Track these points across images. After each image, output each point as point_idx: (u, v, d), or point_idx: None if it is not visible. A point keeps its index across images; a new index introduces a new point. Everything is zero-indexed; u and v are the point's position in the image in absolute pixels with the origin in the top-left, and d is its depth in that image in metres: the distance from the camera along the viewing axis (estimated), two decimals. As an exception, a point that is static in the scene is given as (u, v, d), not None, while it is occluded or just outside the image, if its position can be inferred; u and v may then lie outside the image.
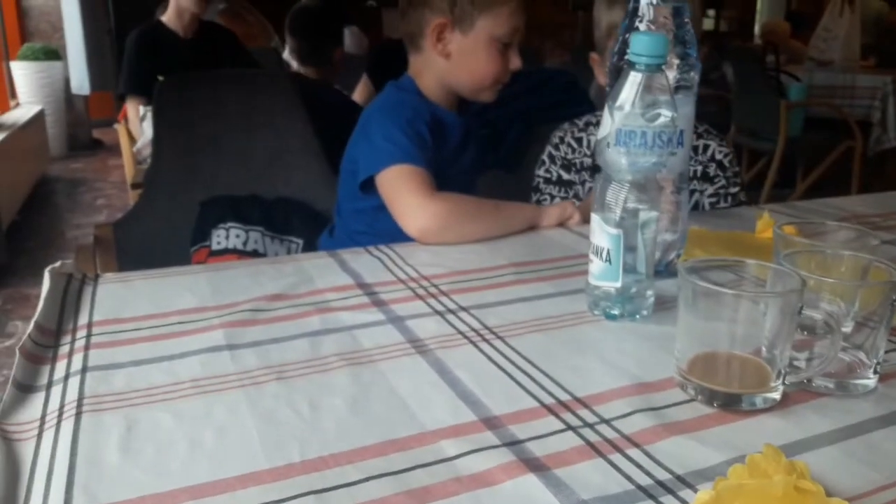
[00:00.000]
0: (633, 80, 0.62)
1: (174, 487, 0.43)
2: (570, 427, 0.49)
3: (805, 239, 0.68)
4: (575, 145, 1.19)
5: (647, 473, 0.44)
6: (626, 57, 0.63)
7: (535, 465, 0.44)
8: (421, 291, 0.74)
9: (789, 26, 4.94)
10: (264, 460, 0.45)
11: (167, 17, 2.42)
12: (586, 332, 0.65)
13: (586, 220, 0.72)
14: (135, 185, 2.01)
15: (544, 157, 1.21)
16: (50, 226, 3.56)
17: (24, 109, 4.53)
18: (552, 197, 1.19)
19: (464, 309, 0.70)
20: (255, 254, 1.21)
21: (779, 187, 3.43)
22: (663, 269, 0.76)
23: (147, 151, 2.10)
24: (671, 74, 0.72)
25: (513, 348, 0.61)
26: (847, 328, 0.57)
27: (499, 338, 0.63)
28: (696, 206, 1.11)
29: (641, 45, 0.61)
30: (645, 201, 0.65)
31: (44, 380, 0.56)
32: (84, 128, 5.42)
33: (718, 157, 1.12)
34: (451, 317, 0.68)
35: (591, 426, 0.49)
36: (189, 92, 1.28)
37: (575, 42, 5.22)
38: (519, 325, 0.66)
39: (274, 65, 3.85)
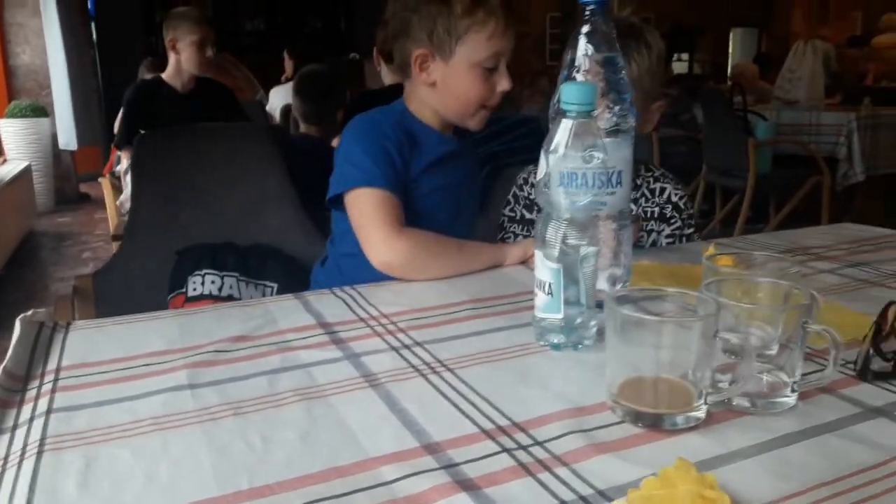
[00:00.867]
0: (565, 126, 0.67)
1: (126, 517, 0.45)
2: (504, 449, 0.52)
3: (740, 268, 0.73)
4: None
5: (572, 489, 0.47)
6: (558, 105, 0.68)
7: (467, 486, 0.47)
8: (379, 329, 0.77)
9: (757, 68, 5.13)
10: (215, 489, 0.48)
11: (168, 74, 2.51)
12: (531, 362, 0.68)
13: None
14: (117, 237, 2.05)
15: (510, 196, 1.27)
16: (35, 279, 3.57)
17: (12, 165, 4.59)
18: (515, 235, 1.23)
19: (419, 344, 0.73)
20: (230, 298, 1.24)
21: (752, 222, 3.52)
22: (610, 302, 0.80)
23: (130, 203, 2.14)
24: (608, 119, 0.77)
25: (461, 379, 0.64)
26: (773, 351, 0.61)
27: (448, 370, 0.66)
28: (653, 245, 1.16)
29: (571, 94, 0.66)
30: (583, 237, 0.69)
31: (10, 422, 0.59)
32: (71, 182, 5.48)
33: (674, 199, 1.17)
34: (405, 352, 0.71)
35: (524, 448, 0.52)
36: (167, 144, 1.34)
37: (550, 90, 5.36)
38: (469, 358, 0.69)
39: (259, 117, 3.95)
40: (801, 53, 3.89)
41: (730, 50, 9.56)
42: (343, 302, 0.87)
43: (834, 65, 4.08)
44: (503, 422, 0.56)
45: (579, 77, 0.78)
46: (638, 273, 0.86)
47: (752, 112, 3.74)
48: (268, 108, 4.03)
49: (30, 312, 0.77)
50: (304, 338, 0.75)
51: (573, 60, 0.79)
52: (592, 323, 0.71)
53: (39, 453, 0.53)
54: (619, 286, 0.82)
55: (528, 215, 1.24)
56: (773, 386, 0.59)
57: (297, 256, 1.31)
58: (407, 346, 0.72)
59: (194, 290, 1.24)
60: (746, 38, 9.57)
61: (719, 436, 0.53)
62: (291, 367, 0.68)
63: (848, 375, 0.63)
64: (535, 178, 1.25)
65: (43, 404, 0.61)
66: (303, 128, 2.27)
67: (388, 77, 2.22)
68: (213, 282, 1.24)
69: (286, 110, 3.38)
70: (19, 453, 0.53)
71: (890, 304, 0.69)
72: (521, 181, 1.27)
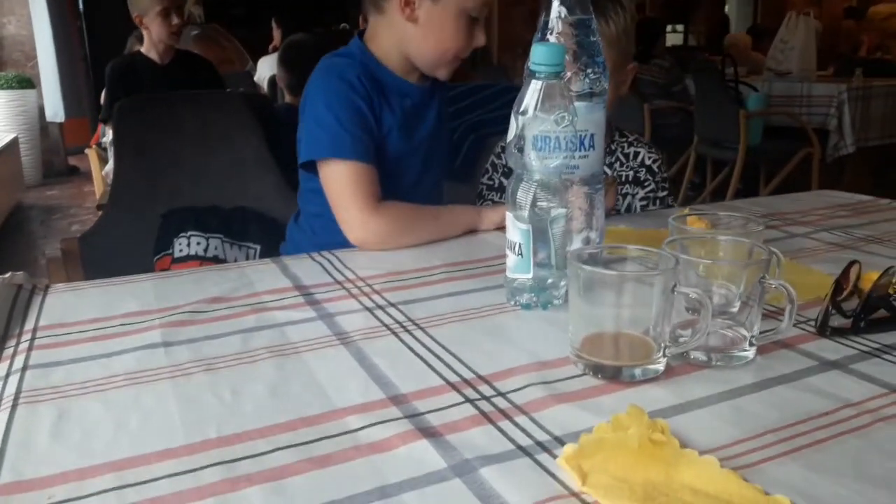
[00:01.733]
0: (534, 87, 0.67)
1: (96, 463, 0.46)
2: (468, 400, 0.53)
3: (709, 228, 0.74)
4: None
5: (529, 435, 0.48)
6: (528, 66, 0.68)
7: (429, 433, 0.49)
8: (355, 291, 0.79)
9: (750, 39, 5.09)
10: (183, 438, 0.49)
11: (144, 48, 2.50)
12: (501, 321, 0.69)
13: None
14: (102, 206, 2.05)
15: (488, 165, 1.27)
16: (24, 252, 3.57)
17: (-2, 138, 4.55)
18: (493, 203, 1.24)
19: (392, 305, 0.74)
20: (215, 259, 1.25)
21: (742, 194, 3.53)
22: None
23: (114, 173, 2.13)
24: (581, 82, 0.77)
25: (431, 337, 0.66)
26: (735, 308, 0.62)
27: (420, 328, 0.68)
28: (628, 209, 1.17)
29: (540, 54, 0.66)
30: (554, 199, 0.70)
31: (-14, 379, 0.60)
32: (59, 155, 5.44)
33: (648, 162, 1.18)
34: (378, 312, 0.72)
35: (487, 398, 0.53)
36: (147, 112, 1.34)
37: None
38: (441, 317, 0.70)
39: (248, 87, 3.91)
40: (794, 24, 3.87)
41: (731, 22, 9.47)
42: (320, 266, 0.88)
43: (819, 37, 4.05)
44: (468, 375, 0.57)
45: (552, 39, 0.78)
46: (612, 237, 0.87)
47: (744, 83, 3.73)
48: (256, 77, 4.00)
49: (7, 275, 0.78)
50: (279, 299, 0.76)
51: (546, 23, 0.79)
52: (562, 283, 0.72)
53: (14, 406, 0.54)
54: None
55: (505, 183, 1.24)
56: (733, 341, 0.60)
57: (278, 219, 1.32)
58: (381, 307, 0.74)
59: (180, 251, 1.26)
60: (742, 8, 9.48)
61: (677, 387, 0.55)
62: (265, 327, 0.69)
63: (808, 332, 0.65)
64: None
65: (19, 361, 0.62)
66: (288, 98, 2.26)
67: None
68: (198, 243, 1.25)
69: (272, 81, 3.36)
70: (-6, 407, 0.55)
71: (851, 263, 0.70)
72: (499, 149, 1.27)
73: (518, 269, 0.71)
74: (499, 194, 1.24)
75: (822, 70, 4.19)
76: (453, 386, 0.56)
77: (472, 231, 1.02)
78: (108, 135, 2.77)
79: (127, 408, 0.54)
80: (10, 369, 0.61)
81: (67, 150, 5.45)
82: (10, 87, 4.91)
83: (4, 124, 4.87)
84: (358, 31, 1.11)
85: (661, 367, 0.56)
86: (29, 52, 5.17)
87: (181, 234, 1.25)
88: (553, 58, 0.66)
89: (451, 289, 0.78)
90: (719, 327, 0.61)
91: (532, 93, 0.68)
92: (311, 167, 1.04)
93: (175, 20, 2.42)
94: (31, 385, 0.58)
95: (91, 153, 2.60)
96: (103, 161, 2.52)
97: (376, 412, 0.52)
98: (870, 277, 0.68)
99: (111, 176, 2.23)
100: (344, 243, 0.97)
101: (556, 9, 0.76)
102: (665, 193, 1.18)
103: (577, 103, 0.75)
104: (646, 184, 1.17)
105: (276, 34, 4.06)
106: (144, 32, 2.46)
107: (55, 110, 5.07)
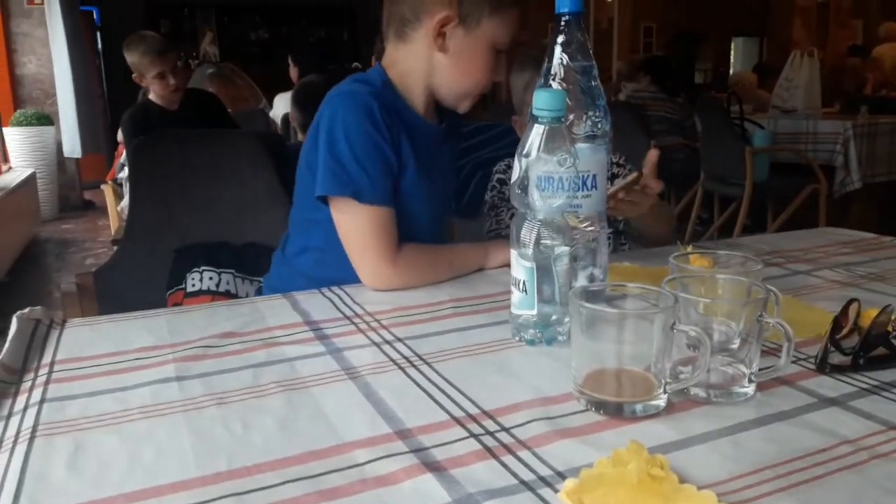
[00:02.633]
0: (537, 131, 0.70)
1: (111, 494, 0.48)
2: (472, 435, 0.55)
3: (710, 266, 0.75)
4: None
5: (532, 470, 0.49)
6: (531, 111, 0.71)
7: (433, 467, 0.50)
8: (363, 326, 0.80)
9: (756, 77, 5.16)
10: (195, 470, 0.51)
11: (152, 95, 2.58)
12: (506, 356, 0.71)
13: None
14: (118, 241, 2.08)
15: (494, 182, 1.33)
16: (38, 286, 3.61)
17: (16, 173, 4.64)
18: (497, 237, 1.28)
19: (400, 340, 0.76)
20: (227, 294, 1.27)
21: (750, 230, 3.53)
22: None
23: (129, 209, 2.18)
24: (583, 125, 0.80)
25: (437, 372, 0.67)
26: (735, 346, 0.64)
27: (427, 364, 0.69)
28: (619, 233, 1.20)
29: (542, 100, 0.69)
30: (557, 238, 0.72)
31: (5, 412, 0.62)
32: (75, 190, 5.54)
33: (616, 159, 1.22)
34: (386, 347, 0.74)
35: (491, 433, 0.55)
36: (161, 150, 1.38)
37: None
38: (447, 353, 0.72)
39: (262, 125, 4.00)
40: (798, 63, 3.92)
41: (731, 59, 9.61)
42: (330, 301, 0.90)
43: (822, 79, 4.11)
44: (473, 410, 0.59)
45: (555, 85, 0.81)
46: (615, 274, 0.89)
47: (749, 120, 3.77)
48: (271, 114, 4.08)
49: (27, 310, 0.80)
50: (289, 334, 0.78)
51: (549, 69, 0.82)
52: (566, 320, 0.73)
53: (31, 439, 0.56)
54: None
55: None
56: (733, 377, 0.61)
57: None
58: (388, 342, 0.75)
59: (193, 285, 1.28)
60: (748, 48, 9.62)
61: (677, 423, 0.56)
62: (276, 361, 0.71)
63: (808, 369, 0.66)
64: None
65: (37, 395, 0.64)
66: (300, 137, 2.31)
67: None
68: (210, 278, 1.28)
69: (286, 119, 3.43)
70: (12, 439, 0.56)
71: (850, 301, 0.72)
72: (503, 166, 1.37)
73: (522, 305, 0.73)
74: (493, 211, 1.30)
75: (827, 107, 4.23)
76: (458, 421, 0.57)
77: (480, 269, 1.04)
78: (124, 170, 2.84)
79: (141, 441, 0.55)
80: (28, 402, 0.63)
81: (83, 184, 5.55)
82: (30, 124, 5.04)
83: (23, 159, 4.98)
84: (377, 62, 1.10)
85: (662, 403, 0.57)
86: (48, 90, 5.31)
87: (194, 270, 1.28)
88: (555, 103, 0.69)
89: (458, 324, 0.80)
90: (719, 364, 0.62)
91: (535, 136, 0.70)
92: (323, 199, 1.01)
93: (171, 81, 2.51)
94: (48, 418, 0.59)
95: (107, 189, 2.65)
96: (119, 197, 2.57)
97: (382, 446, 0.53)
98: (869, 315, 0.69)
99: (126, 211, 2.27)
100: (344, 280, 0.97)
101: (559, 55, 0.80)
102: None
103: (579, 145, 0.78)
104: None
105: (293, 71, 4.16)
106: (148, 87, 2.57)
107: (72, 146, 5.18)
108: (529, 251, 0.71)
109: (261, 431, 0.56)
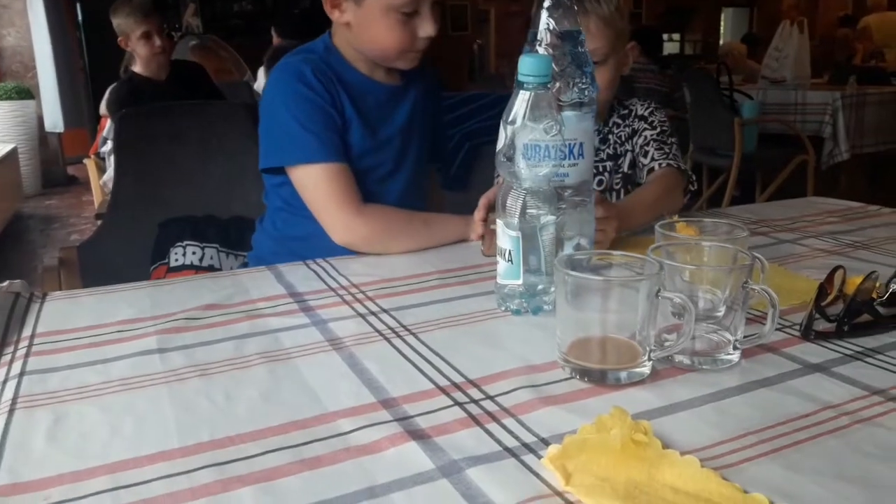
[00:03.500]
0: (522, 97, 0.69)
1: (92, 465, 0.47)
2: (457, 403, 0.54)
3: (696, 235, 0.75)
4: None
5: (516, 437, 0.49)
6: (516, 77, 0.70)
7: (418, 435, 0.50)
8: (348, 297, 0.80)
9: (745, 48, 5.13)
10: (177, 441, 0.50)
11: (138, 67, 2.53)
12: (491, 326, 0.71)
13: None
14: (101, 216, 2.06)
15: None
16: (23, 262, 3.57)
17: (-3, 148, 4.56)
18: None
19: (385, 311, 0.75)
20: (210, 269, 1.26)
21: (738, 201, 3.54)
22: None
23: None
24: (570, 92, 0.79)
25: (423, 342, 0.67)
26: (720, 313, 0.63)
27: (412, 334, 0.69)
28: (632, 165, 1.17)
29: (527, 66, 0.68)
30: (543, 207, 0.71)
31: (-17, 385, 0.61)
32: (58, 165, 5.46)
33: (641, 112, 1.18)
34: (371, 318, 0.73)
35: (476, 402, 0.54)
36: (147, 123, 1.35)
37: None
38: (433, 323, 0.71)
39: (247, 97, 3.94)
40: (788, 33, 3.90)
41: (721, 30, 9.55)
42: (315, 273, 0.89)
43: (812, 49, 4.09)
44: (458, 379, 0.58)
45: (541, 51, 0.80)
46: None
47: (738, 91, 3.75)
48: (255, 86, 4.02)
49: (5, 283, 0.79)
50: (273, 306, 0.77)
51: (535, 35, 0.80)
52: (552, 289, 0.73)
53: (11, 411, 0.55)
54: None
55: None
56: (718, 344, 0.61)
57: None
58: (373, 313, 0.75)
59: (176, 260, 1.26)
60: (737, 18, 9.56)
61: (662, 390, 0.56)
62: (259, 333, 0.70)
63: (793, 336, 0.66)
64: None
65: (17, 367, 0.63)
66: None
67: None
68: (193, 252, 1.26)
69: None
70: (-8, 412, 0.56)
71: (836, 268, 0.72)
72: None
73: (508, 275, 0.72)
74: None
75: (817, 77, 4.22)
76: (443, 390, 0.57)
77: (463, 240, 1.03)
78: (107, 144, 2.79)
79: (122, 412, 0.55)
80: (8, 375, 0.62)
81: (66, 159, 5.46)
82: (10, 98, 4.93)
83: (3, 134, 4.88)
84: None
85: (646, 370, 0.57)
86: (28, 63, 5.20)
87: (177, 244, 1.26)
88: (540, 69, 0.68)
89: (443, 295, 0.80)
90: (704, 331, 0.62)
91: (520, 103, 0.69)
92: (272, 169, 1.04)
93: (157, 42, 2.46)
94: (28, 390, 0.59)
95: (90, 163, 2.61)
96: (101, 171, 2.54)
97: (366, 415, 0.53)
98: (854, 282, 0.70)
99: (109, 185, 2.24)
100: (312, 235, 0.98)
101: (545, 21, 0.78)
102: (666, 136, 1.15)
103: (565, 113, 0.76)
104: (643, 132, 1.17)
105: (277, 42, 4.09)
106: (133, 52, 2.50)
107: (54, 121, 5.09)
108: (515, 220, 0.70)
109: (244, 402, 0.56)
